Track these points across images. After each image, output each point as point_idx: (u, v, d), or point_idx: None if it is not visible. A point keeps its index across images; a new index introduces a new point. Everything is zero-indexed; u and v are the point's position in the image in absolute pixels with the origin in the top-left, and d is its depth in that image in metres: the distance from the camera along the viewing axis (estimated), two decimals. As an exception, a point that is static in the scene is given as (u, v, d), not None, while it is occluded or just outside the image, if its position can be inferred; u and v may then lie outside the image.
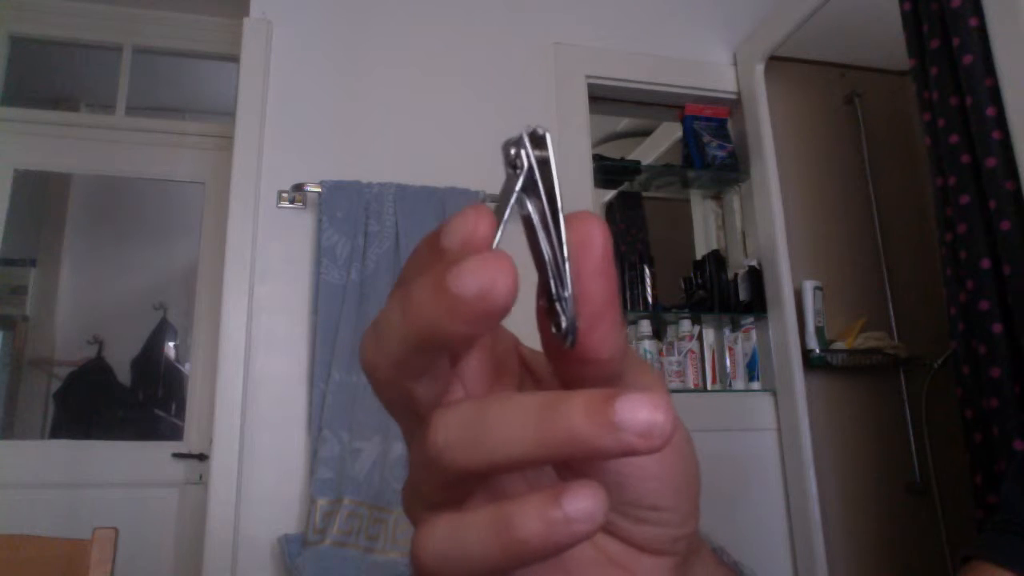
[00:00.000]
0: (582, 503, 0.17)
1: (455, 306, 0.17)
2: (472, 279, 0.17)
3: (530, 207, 0.20)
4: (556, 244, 0.19)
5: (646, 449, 0.17)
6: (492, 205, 0.20)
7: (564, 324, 0.20)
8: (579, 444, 0.17)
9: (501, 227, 0.19)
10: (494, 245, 0.19)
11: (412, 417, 0.21)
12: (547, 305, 0.20)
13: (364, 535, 1.57)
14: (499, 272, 0.17)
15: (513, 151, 0.20)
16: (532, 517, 0.17)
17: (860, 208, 2.29)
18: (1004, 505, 0.60)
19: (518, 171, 0.19)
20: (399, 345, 0.18)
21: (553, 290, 0.20)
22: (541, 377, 0.25)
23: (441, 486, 0.20)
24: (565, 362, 0.21)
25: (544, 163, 0.19)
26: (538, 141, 0.20)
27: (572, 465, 0.23)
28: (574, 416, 0.17)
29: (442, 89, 2.00)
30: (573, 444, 0.17)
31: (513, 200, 0.19)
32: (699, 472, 0.25)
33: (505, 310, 0.17)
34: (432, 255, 0.19)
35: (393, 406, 0.21)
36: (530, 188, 0.19)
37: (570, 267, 0.19)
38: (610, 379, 0.21)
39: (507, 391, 0.23)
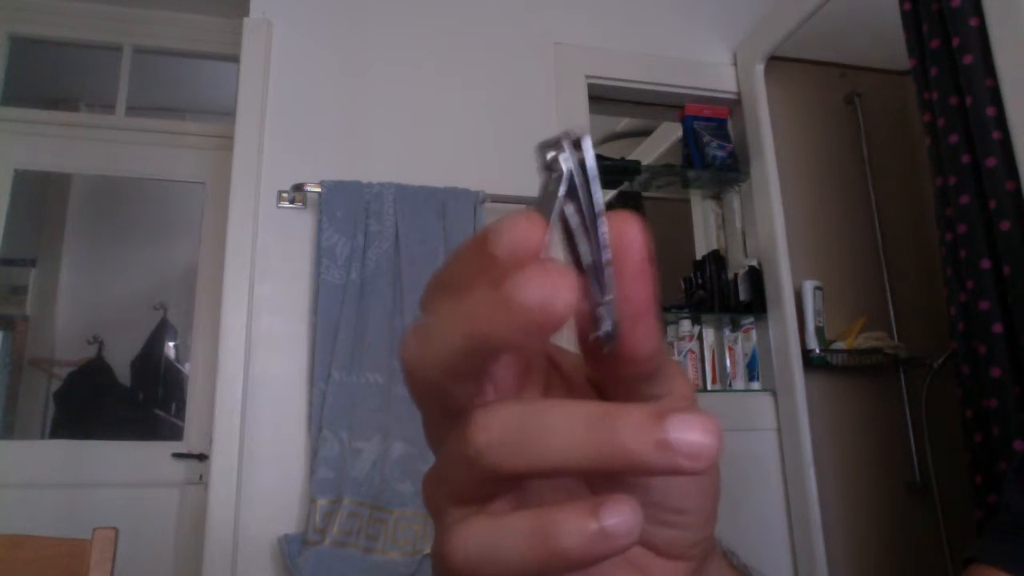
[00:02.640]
0: (621, 517, 0.17)
1: (515, 317, 0.17)
2: (535, 291, 0.17)
3: (569, 211, 0.19)
4: (596, 248, 0.19)
5: (692, 470, 0.17)
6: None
7: (606, 329, 0.20)
8: (627, 460, 0.18)
9: (550, 235, 0.19)
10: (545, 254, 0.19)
11: (444, 413, 0.21)
12: (587, 309, 0.20)
13: (364, 535, 1.57)
14: (561, 284, 0.17)
15: (550, 155, 0.19)
16: (572, 528, 0.17)
17: (860, 208, 2.29)
18: (1005, 506, 0.60)
19: (554, 174, 0.19)
20: (450, 350, 0.18)
21: (594, 296, 0.20)
22: (568, 375, 0.25)
23: (474, 484, 0.20)
24: (602, 363, 0.21)
25: (583, 166, 0.19)
26: (576, 144, 0.19)
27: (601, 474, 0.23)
28: (624, 431, 0.18)
29: (442, 89, 2.00)
30: (621, 459, 0.18)
31: (557, 206, 0.19)
32: (720, 478, 0.25)
33: (564, 321, 0.17)
34: (481, 261, 0.19)
35: (426, 402, 0.21)
36: (570, 192, 0.19)
37: (610, 270, 0.19)
38: (647, 379, 0.22)
39: (535, 390, 0.24)
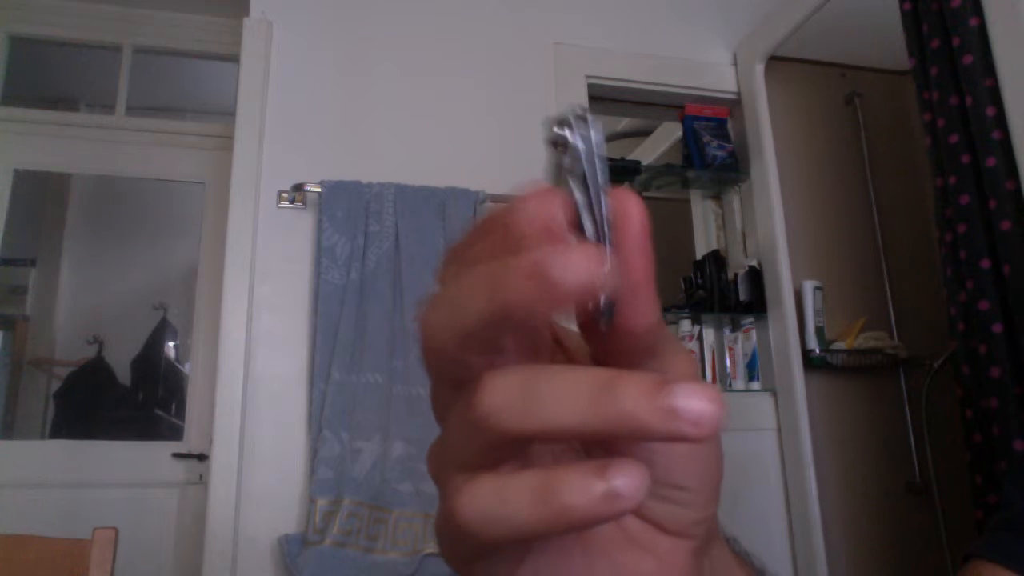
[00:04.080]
0: (628, 479, 0.18)
1: (553, 293, 0.18)
2: (578, 271, 0.18)
3: (573, 185, 0.20)
4: (600, 222, 0.20)
5: (695, 437, 0.18)
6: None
7: (604, 301, 0.20)
8: (631, 423, 0.18)
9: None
10: None
11: (453, 383, 0.21)
12: None
13: (364, 535, 1.57)
14: (599, 266, 0.18)
15: (557, 129, 0.20)
16: (578, 488, 0.18)
17: (860, 208, 2.29)
18: (1004, 504, 0.60)
19: (559, 148, 0.20)
20: (476, 320, 0.19)
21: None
22: (572, 353, 0.25)
23: (481, 448, 0.20)
24: (601, 337, 0.22)
25: (588, 143, 0.20)
26: (582, 120, 0.20)
27: (603, 440, 0.24)
28: (630, 395, 0.18)
29: (442, 89, 2.00)
30: (625, 423, 0.18)
31: (580, 178, 0.20)
32: (723, 457, 0.25)
33: (596, 299, 0.19)
34: (507, 237, 0.19)
35: (438, 370, 0.22)
36: (576, 167, 0.20)
37: (610, 243, 0.20)
38: (645, 352, 0.22)
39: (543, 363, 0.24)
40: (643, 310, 0.21)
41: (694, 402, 0.18)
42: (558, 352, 0.26)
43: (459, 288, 0.19)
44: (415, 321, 0.22)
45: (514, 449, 0.21)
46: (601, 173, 0.20)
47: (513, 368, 0.20)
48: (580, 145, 0.20)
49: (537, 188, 0.19)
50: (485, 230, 0.21)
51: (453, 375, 0.21)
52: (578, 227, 0.20)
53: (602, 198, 0.20)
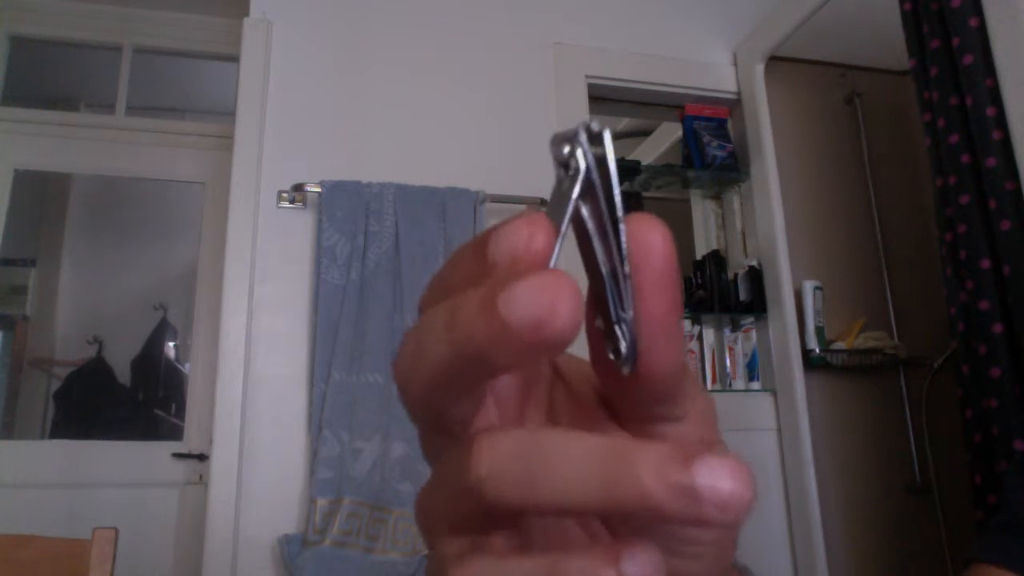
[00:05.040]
0: (641, 568, 0.16)
1: (505, 334, 0.15)
2: (527, 305, 0.15)
3: (584, 213, 0.17)
4: (616, 256, 0.17)
5: (721, 523, 0.15)
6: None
7: (623, 348, 0.18)
8: (646, 504, 0.15)
9: (560, 240, 0.17)
10: (552, 263, 0.17)
11: (441, 433, 0.19)
12: (604, 327, 0.18)
13: (364, 535, 1.57)
14: (560, 298, 0.15)
15: (567, 148, 0.17)
16: None
17: (860, 208, 2.29)
18: (1005, 505, 0.60)
19: (571, 171, 0.17)
20: (438, 366, 0.17)
21: (612, 311, 0.18)
22: (575, 387, 0.23)
23: (473, 514, 0.18)
24: (617, 380, 0.19)
25: (602, 163, 0.17)
26: (595, 138, 0.17)
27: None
28: (646, 474, 0.15)
29: (442, 89, 2.00)
30: (640, 503, 0.16)
31: (571, 208, 0.17)
32: None
33: (565, 343, 0.15)
34: (478, 265, 0.17)
35: (421, 422, 0.20)
36: (586, 192, 0.17)
37: (630, 281, 0.17)
38: (664, 398, 0.20)
39: (537, 406, 0.22)
40: (666, 356, 0.18)
41: (721, 482, 0.15)
42: (558, 385, 0.23)
43: (421, 328, 0.17)
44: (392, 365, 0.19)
45: (510, 518, 0.19)
46: (617, 198, 0.17)
47: (510, 431, 0.17)
48: (592, 167, 0.17)
49: (526, 213, 0.17)
50: (460, 257, 0.18)
51: (436, 424, 0.19)
52: (590, 261, 0.18)
53: (619, 227, 0.17)
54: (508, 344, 0.15)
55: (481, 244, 0.17)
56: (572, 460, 0.16)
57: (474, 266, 0.17)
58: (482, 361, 0.16)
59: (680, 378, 0.19)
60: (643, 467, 0.16)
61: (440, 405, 0.18)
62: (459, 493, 0.18)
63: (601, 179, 0.17)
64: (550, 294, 0.15)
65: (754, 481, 0.16)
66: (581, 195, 0.17)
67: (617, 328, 0.18)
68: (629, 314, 0.17)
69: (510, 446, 0.17)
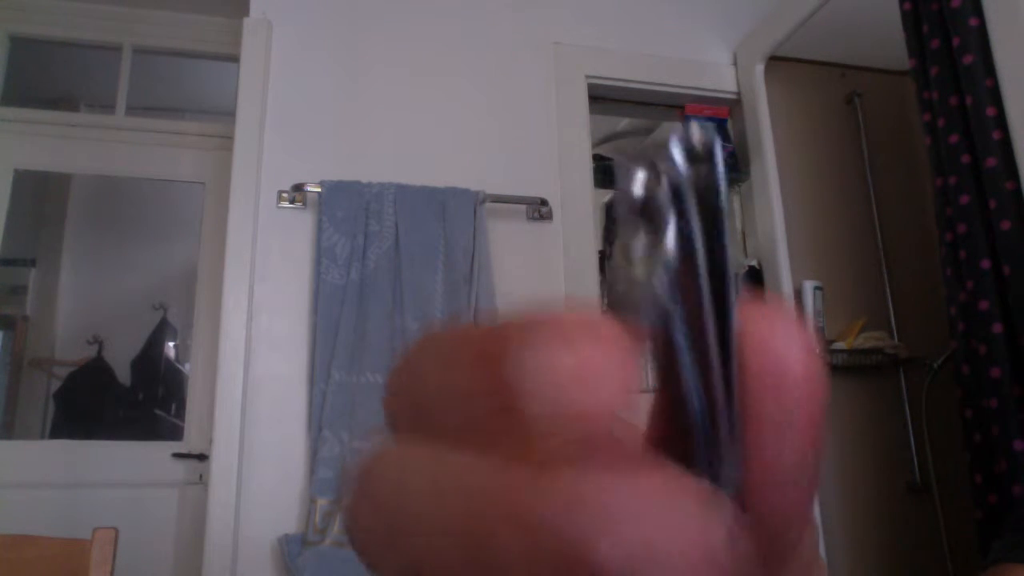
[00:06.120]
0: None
1: (539, 557, 0.10)
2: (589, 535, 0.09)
3: (660, 291, 0.10)
4: (722, 371, 0.10)
5: None
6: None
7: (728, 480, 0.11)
8: None
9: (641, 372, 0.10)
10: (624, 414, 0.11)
11: None
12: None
13: (364, 535, 1.57)
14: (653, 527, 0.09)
15: (643, 174, 0.10)
16: None
17: (860, 208, 2.29)
18: (1022, 502, 0.59)
19: (658, 224, 0.10)
20: (430, 551, 0.11)
21: (698, 454, 0.11)
22: None
23: None
24: None
25: (713, 210, 0.10)
26: (695, 155, 0.10)
27: None
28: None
29: (442, 89, 2.00)
30: None
31: (665, 295, 0.10)
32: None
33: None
34: (499, 401, 0.10)
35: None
36: (682, 262, 0.10)
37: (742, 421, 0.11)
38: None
39: None
40: (788, 526, 0.12)
41: None
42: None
43: (410, 485, 0.12)
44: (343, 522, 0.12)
45: None
46: (727, 267, 0.10)
47: None
48: (691, 212, 0.10)
49: (589, 314, 0.10)
50: (458, 357, 0.12)
51: None
52: (665, 369, 0.11)
53: (732, 335, 0.11)
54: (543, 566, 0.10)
55: (494, 358, 0.11)
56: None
57: (478, 385, 0.11)
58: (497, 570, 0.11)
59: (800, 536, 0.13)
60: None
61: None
62: None
63: (706, 234, 0.10)
64: (643, 528, 0.09)
65: None
66: (671, 263, 0.10)
67: (709, 471, 0.11)
68: (730, 460, 0.11)
69: None
